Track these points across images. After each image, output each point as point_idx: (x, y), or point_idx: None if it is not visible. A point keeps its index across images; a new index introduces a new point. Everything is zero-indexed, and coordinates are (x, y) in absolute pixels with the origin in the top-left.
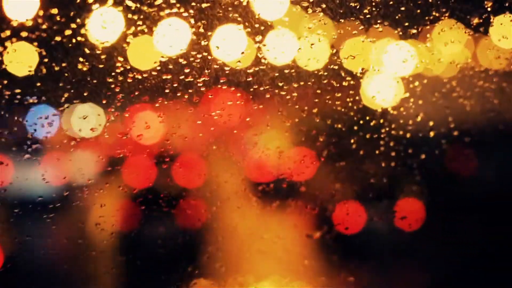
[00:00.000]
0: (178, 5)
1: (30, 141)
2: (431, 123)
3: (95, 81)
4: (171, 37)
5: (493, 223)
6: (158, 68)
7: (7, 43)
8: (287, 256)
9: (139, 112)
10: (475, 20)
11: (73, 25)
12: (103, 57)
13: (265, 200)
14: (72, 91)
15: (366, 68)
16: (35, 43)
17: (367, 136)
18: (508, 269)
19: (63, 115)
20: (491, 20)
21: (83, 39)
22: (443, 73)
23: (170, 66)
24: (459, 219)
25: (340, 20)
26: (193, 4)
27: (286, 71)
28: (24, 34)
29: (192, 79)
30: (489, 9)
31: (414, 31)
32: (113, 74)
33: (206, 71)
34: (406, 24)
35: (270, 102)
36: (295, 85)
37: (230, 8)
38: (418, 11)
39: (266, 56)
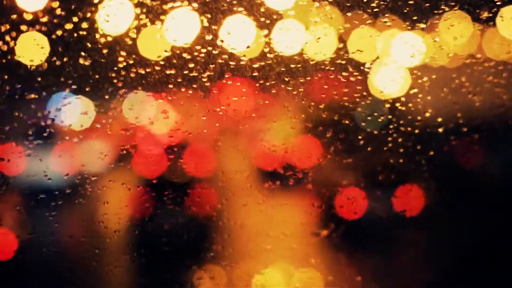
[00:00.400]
0: None
1: (36, 133)
2: (439, 119)
3: (100, 74)
4: (179, 28)
5: (497, 217)
6: (166, 59)
7: (10, 36)
8: (294, 243)
9: (149, 103)
10: (483, 13)
11: (77, 18)
12: (110, 49)
13: (272, 190)
14: (76, 84)
15: (373, 60)
16: (40, 36)
17: (374, 129)
18: (506, 259)
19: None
20: (499, 12)
21: (87, 32)
22: (450, 66)
23: (178, 58)
24: (463, 214)
25: (348, 12)
26: None
27: (293, 63)
28: (25, 28)
29: (200, 71)
30: (497, 2)
31: (422, 23)
32: (121, 65)
33: (213, 64)
34: (414, 16)
35: (277, 94)
36: (302, 78)
37: (237, 0)
38: (426, 3)
39: (273, 48)
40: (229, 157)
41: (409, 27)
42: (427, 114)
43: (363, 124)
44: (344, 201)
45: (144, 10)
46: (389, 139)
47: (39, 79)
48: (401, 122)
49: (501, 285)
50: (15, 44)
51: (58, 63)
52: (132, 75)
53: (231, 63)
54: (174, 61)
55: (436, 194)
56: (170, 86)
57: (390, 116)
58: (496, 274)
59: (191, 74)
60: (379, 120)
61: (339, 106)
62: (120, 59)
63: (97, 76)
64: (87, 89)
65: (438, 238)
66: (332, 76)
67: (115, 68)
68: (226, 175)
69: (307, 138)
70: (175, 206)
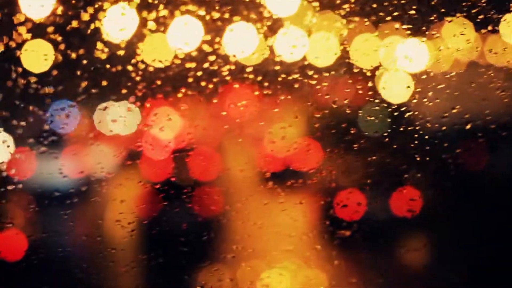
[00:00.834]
0: (190, 3)
1: (48, 133)
2: (440, 123)
3: (104, 81)
4: (182, 36)
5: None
6: (170, 66)
7: (23, 34)
8: (298, 243)
9: (156, 107)
10: (485, 19)
11: (81, 26)
12: (116, 55)
13: (275, 191)
14: (81, 90)
15: (376, 64)
16: (45, 44)
17: (375, 133)
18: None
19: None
20: (501, 17)
21: (92, 39)
22: (452, 72)
23: (182, 65)
24: (465, 214)
25: (350, 19)
26: (206, 1)
27: (296, 69)
28: (30, 35)
29: (203, 77)
30: (500, 8)
31: (424, 30)
32: (125, 72)
33: (216, 70)
34: (416, 23)
35: (280, 100)
36: (304, 84)
37: (241, 6)
38: (428, 10)
39: (276, 55)
40: (233, 160)
41: (411, 34)
42: (428, 119)
43: (364, 128)
44: (344, 203)
45: (148, 18)
46: (390, 143)
47: (46, 85)
48: (402, 126)
49: (504, 285)
50: (21, 52)
51: (63, 70)
52: (136, 81)
53: (234, 69)
54: (178, 68)
55: (435, 196)
56: (175, 92)
57: (391, 121)
58: (498, 275)
59: (194, 81)
60: (380, 124)
61: (341, 111)
62: (124, 66)
63: (102, 83)
64: (92, 95)
65: (439, 239)
66: (334, 82)
67: (119, 75)
68: (231, 177)
69: (309, 141)
70: (181, 208)
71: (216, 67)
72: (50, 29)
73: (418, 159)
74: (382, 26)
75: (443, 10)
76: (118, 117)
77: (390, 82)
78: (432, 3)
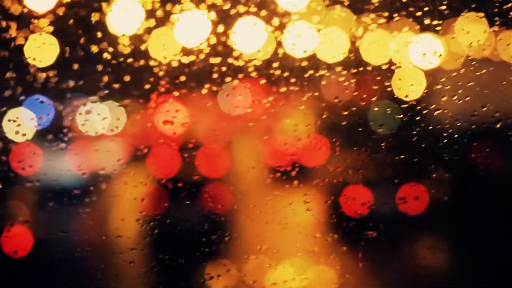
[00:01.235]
0: None
1: (64, 130)
2: (451, 120)
3: (109, 76)
4: (190, 30)
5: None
6: (177, 61)
7: (19, 38)
8: (305, 239)
9: (162, 103)
10: (499, 15)
11: (86, 19)
12: (119, 51)
13: (283, 186)
14: (86, 85)
15: (386, 62)
16: (49, 37)
17: (385, 130)
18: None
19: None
20: None
21: (97, 33)
22: (464, 69)
23: (189, 60)
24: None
25: (361, 15)
26: None
27: (305, 65)
28: (34, 29)
29: (211, 72)
30: None
31: (437, 26)
32: (132, 67)
33: (224, 65)
34: (428, 18)
35: (289, 95)
36: (314, 79)
37: (248, 2)
38: (441, 5)
39: (285, 50)
40: (241, 156)
41: (423, 29)
42: (440, 116)
43: (373, 124)
44: (350, 199)
45: (155, 12)
46: (400, 139)
47: (50, 80)
48: (413, 123)
49: (508, 285)
50: (24, 45)
51: (67, 64)
52: (144, 76)
53: (243, 64)
54: (185, 63)
55: (443, 194)
56: (182, 87)
57: (402, 117)
58: (503, 274)
59: (202, 76)
60: (391, 121)
61: (350, 107)
62: (130, 61)
63: (106, 78)
64: (99, 91)
65: (444, 237)
66: (344, 78)
67: (125, 70)
68: (238, 174)
69: (318, 137)
70: (189, 205)
71: (224, 63)
72: (54, 22)
73: (446, 158)
74: (394, 22)
75: (457, 5)
76: (124, 114)
77: (401, 78)
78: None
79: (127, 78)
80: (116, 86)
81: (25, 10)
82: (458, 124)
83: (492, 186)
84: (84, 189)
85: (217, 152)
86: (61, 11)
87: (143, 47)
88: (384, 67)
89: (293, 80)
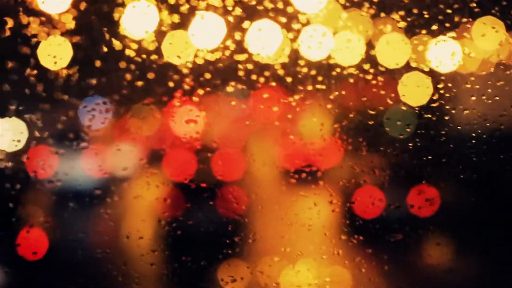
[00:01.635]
0: None
1: (78, 131)
2: (467, 125)
3: (123, 78)
4: (205, 33)
5: None
6: (192, 64)
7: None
8: (318, 240)
9: (178, 106)
10: None
11: (100, 22)
12: (134, 53)
13: (297, 188)
14: (101, 87)
15: (402, 64)
16: (63, 40)
17: (400, 134)
18: None
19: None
20: None
21: (110, 36)
22: (480, 73)
23: (204, 62)
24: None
25: (377, 18)
26: None
27: (321, 68)
28: (47, 31)
29: (226, 75)
30: None
31: (453, 30)
32: (147, 70)
33: (240, 68)
34: (445, 23)
35: (304, 99)
36: (330, 81)
37: (267, 2)
38: (458, 10)
39: (300, 53)
40: (259, 159)
41: (440, 33)
42: (455, 120)
43: (388, 128)
44: (363, 200)
45: (169, 15)
46: (414, 143)
47: (64, 83)
48: (428, 127)
49: None
50: (38, 48)
51: (81, 67)
52: (158, 79)
53: (258, 67)
54: (200, 66)
55: (470, 196)
56: (198, 90)
57: (416, 122)
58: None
59: (218, 79)
60: (406, 125)
61: (366, 111)
62: (145, 63)
63: (120, 80)
64: (112, 93)
65: (473, 241)
66: (360, 80)
67: (139, 73)
68: (257, 175)
69: (332, 140)
70: (209, 206)
71: (239, 66)
72: (67, 24)
73: (475, 159)
74: (409, 26)
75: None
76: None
77: (417, 82)
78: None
79: (138, 80)
80: (127, 88)
81: (39, 12)
82: (487, 124)
83: None
84: (103, 190)
85: (235, 154)
86: (75, 14)
87: (157, 50)
88: (400, 69)
89: (308, 83)
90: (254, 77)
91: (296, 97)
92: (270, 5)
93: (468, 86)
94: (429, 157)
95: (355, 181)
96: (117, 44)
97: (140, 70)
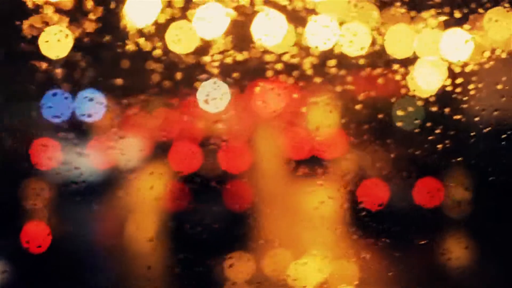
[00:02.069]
0: None
1: (77, 123)
2: (476, 118)
3: (126, 68)
4: (209, 22)
5: None
6: (197, 54)
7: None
8: (324, 233)
9: (185, 98)
10: None
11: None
12: (136, 42)
13: (303, 180)
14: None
15: (410, 55)
16: (64, 29)
17: (407, 126)
18: None
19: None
20: None
21: (113, 25)
22: (491, 65)
23: (208, 53)
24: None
25: (385, 9)
26: None
27: (327, 58)
28: (49, 20)
29: (232, 66)
30: None
31: (464, 20)
32: (150, 59)
33: (245, 59)
34: (455, 13)
35: (310, 89)
36: (337, 72)
37: None
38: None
39: (306, 43)
40: (263, 152)
41: (451, 24)
42: (464, 113)
43: (397, 120)
44: (368, 193)
45: (173, 3)
46: (422, 136)
47: (66, 73)
48: (435, 119)
49: None
50: (39, 38)
51: (83, 57)
52: (161, 70)
53: (263, 58)
54: (205, 56)
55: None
56: (202, 81)
57: (425, 113)
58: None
59: (222, 72)
60: (413, 116)
61: (372, 102)
62: (148, 53)
63: (123, 71)
64: (114, 84)
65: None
66: (367, 72)
67: (143, 63)
68: (261, 169)
69: (339, 131)
70: (211, 201)
71: (244, 56)
72: (69, 13)
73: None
74: (418, 16)
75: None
76: (146, 108)
77: (426, 73)
78: None
79: (144, 70)
80: (131, 78)
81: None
82: (496, 115)
83: None
84: (107, 182)
85: (241, 147)
86: (77, 2)
87: (160, 39)
88: (408, 61)
89: (315, 73)
90: (258, 67)
91: (302, 88)
92: None
93: (478, 77)
94: (438, 149)
95: (362, 173)
96: (117, 34)
97: (142, 60)
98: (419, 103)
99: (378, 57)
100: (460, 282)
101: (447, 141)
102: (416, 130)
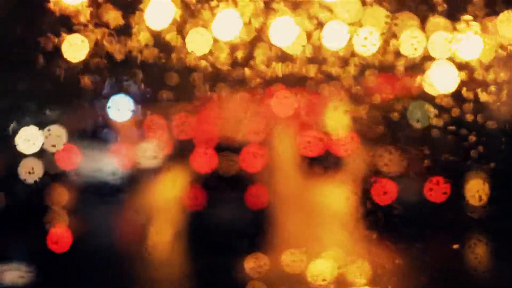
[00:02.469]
0: None
1: (100, 125)
2: (488, 117)
3: (146, 71)
4: (225, 25)
5: None
6: (214, 57)
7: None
8: (341, 233)
9: (206, 102)
10: None
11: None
12: (162, 45)
13: (317, 178)
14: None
15: (422, 56)
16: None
17: (421, 124)
18: None
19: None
20: None
21: (132, 28)
22: (502, 65)
23: (225, 55)
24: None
25: (399, 12)
26: None
27: (341, 60)
28: (69, 25)
29: (247, 68)
30: None
31: (477, 22)
32: (172, 62)
33: (261, 61)
34: (469, 14)
35: (326, 90)
36: (349, 73)
37: None
38: (482, 2)
39: (323, 44)
40: (279, 152)
41: (463, 26)
42: (476, 112)
43: (411, 119)
44: (382, 189)
45: (189, 7)
46: (436, 134)
47: (86, 76)
48: (448, 118)
49: None
50: (61, 42)
51: (102, 60)
52: (182, 76)
53: (279, 59)
54: (221, 59)
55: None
56: (219, 82)
57: (437, 112)
58: None
59: (237, 72)
60: (426, 116)
61: (387, 102)
62: (168, 55)
63: (142, 74)
64: (135, 87)
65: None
66: (380, 73)
67: (163, 65)
68: (278, 168)
69: (354, 129)
70: (229, 200)
71: (261, 58)
72: (89, 18)
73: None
74: (431, 19)
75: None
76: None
77: (439, 74)
78: None
79: (165, 73)
80: (153, 81)
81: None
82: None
83: None
84: (129, 182)
85: (259, 146)
86: (96, 7)
87: (180, 43)
88: (420, 62)
89: (328, 74)
90: (273, 69)
91: (316, 88)
92: None
93: (491, 77)
94: (452, 148)
95: (376, 171)
96: (136, 37)
97: (163, 66)
98: (434, 102)
99: (391, 59)
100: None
101: (461, 140)
102: (430, 128)
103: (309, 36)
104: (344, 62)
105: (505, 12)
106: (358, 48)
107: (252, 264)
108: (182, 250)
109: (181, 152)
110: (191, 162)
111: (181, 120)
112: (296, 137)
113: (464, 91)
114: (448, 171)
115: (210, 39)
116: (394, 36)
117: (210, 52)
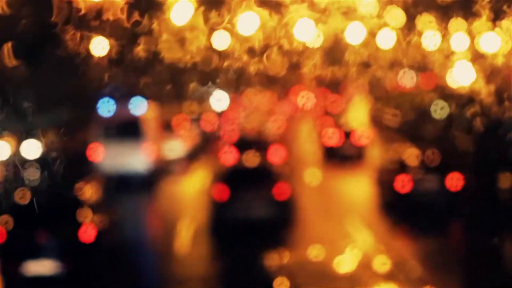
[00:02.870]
0: None
1: (124, 121)
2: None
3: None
4: (247, 23)
5: None
6: (237, 54)
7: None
8: (366, 226)
9: (223, 98)
10: None
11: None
12: (187, 45)
13: (339, 168)
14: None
15: (446, 55)
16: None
17: (442, 118)
18: None
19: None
20: None
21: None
22: None
23: (249, 52)
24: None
25: (420, 14)
26: None
27: (366, 56)
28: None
29: (270, 65)
30: None
31: (499, 17)
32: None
33: (284, 58)
34: (488, 14)
35: (348, 85)
36: (369, 69)
37: None
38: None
39: (345, 42)
40: (302, 147)
41: (487, 22)
42: (497, 108)
43: (434, 113)
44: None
45: (209, 12)
46: (458, 129)
47: (111, 76)
48: (469, 114)
49: None
50: (88, 42)
51: (125, 57)
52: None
53: (301, 56)
54: (246, 56)
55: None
56: (243, 85)
57: (458, 108)
58: None
59: (261, 69)
60: (448, 110)
61: (410, 96)
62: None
63: (164, 72)
64: (160, 89)
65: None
66: (404, 71)
67: (188, 64)
68: (300, 163)
69: (376, 123)
70: (252, 192)
71: (283, 56)
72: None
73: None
74: (453, 19)
75: None
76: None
77: (460, 70)
78: None
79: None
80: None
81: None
82: None
83: None
84: (155, 176)
85: (283, 140)
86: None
87: (200, 39)
88: (444, 61)
89: (349, 73)
90: (296, 65)
91: (338, 82)
92: None
93: None
94: (474, 142)
95: (399, 165)
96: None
97: (185, 61)
98: (457, 97)
99: (414, 57)
100: None
101: (484, 135)
102: (452, 123)
103: (333, 33)
104: (371, 59)
105: None
106: (382, 42)
107: (276, 260)
108: (203, 242)
109: (207, 146)
110: (217, 156)
111: (208, 116)
112: (320, 132)
113: (484, 86)
114: (467, 166)
115: (233, 36)
116: (418, 33)
117: (233, 51)
